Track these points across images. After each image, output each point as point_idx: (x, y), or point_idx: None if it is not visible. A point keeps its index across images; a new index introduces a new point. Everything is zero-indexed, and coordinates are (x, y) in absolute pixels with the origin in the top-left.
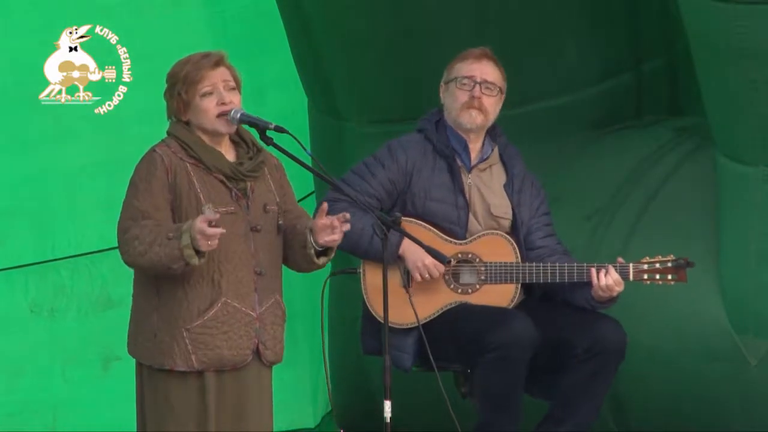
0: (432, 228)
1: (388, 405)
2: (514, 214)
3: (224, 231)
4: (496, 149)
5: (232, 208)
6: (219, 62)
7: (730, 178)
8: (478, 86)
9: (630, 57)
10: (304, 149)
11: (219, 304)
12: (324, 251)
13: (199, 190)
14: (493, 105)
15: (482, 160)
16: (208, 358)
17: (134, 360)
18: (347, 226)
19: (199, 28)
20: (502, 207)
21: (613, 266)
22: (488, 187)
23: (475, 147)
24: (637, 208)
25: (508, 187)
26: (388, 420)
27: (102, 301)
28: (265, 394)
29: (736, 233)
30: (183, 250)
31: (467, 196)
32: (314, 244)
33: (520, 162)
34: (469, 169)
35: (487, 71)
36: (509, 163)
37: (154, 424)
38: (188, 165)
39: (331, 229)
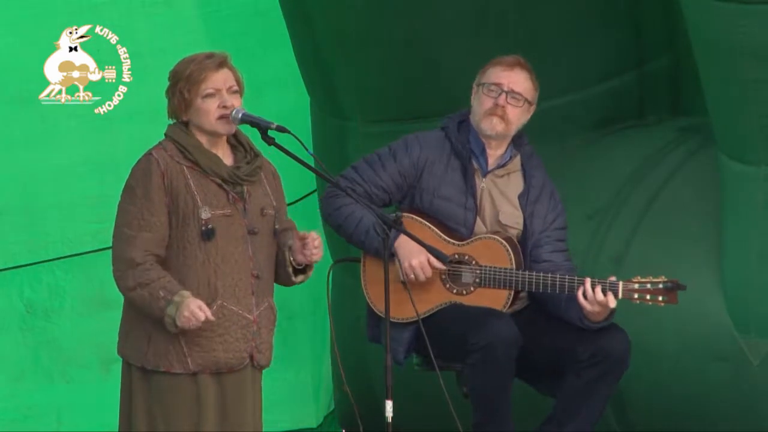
0: (432, 226)
1: (389, 405)
2: (524, 225)
3: (213, 319)
4: (518, 158)
5: (229, 210)
6: (223, 63)
7: (732, 178)
8: (504, 95)
9: (632, 57)
10: (306, 149)
11: (215, 307)
12: (303, 269)
13: (195, 193)
14: (517, 115)
15: (500, 166)
16: (203, 360)
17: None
18: (318, 253)
19: (198, 27)
20: (512, 216)
21: (602, 283)
22: (502, 194)
23: (494, 153)
24: (639, 208)
25: (523, 197)
26: (390, 420)
27: (98, 301)
28: (257, 396)
29: (738, 233)
30: (165, 316)
31: (478, 199)
32: (293, 262)
33: (542, 173)
34: (485, 174)
35: (516, 81)
36: (529, 173)
37: (147, 425)
38: (185, 168)
39: (304, 247)
